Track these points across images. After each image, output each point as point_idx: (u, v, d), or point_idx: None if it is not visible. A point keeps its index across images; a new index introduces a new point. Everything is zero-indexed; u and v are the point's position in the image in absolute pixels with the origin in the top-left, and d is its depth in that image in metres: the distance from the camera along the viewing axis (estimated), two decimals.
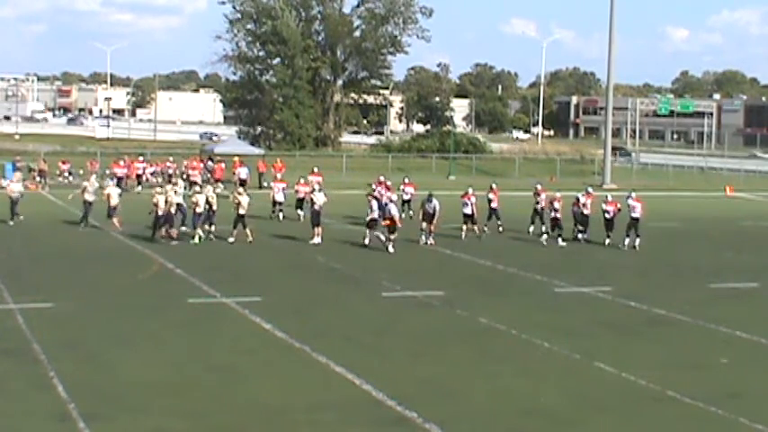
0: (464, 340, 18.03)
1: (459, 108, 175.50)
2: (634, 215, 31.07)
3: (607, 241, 31.48)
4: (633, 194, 32.01)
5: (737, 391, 15.08)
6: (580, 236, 32.43)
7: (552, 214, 31.53)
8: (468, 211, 32.32)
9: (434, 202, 30.91)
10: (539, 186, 35.06)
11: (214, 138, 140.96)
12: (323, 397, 14.13)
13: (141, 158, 52.55)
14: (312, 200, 30.57)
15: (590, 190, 33.97)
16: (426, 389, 14.66)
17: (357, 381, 14.85)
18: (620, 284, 24.37)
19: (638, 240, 30.86)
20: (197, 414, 13.20)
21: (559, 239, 31.26)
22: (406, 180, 40.03)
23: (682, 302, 22.14)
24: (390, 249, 28.82)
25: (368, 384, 14.64)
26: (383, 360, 16.35)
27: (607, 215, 31.67)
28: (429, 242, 30.64)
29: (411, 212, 37.97)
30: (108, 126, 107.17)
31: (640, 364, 16.38)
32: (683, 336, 19.11)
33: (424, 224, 30.90)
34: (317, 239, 29.95)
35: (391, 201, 30.91)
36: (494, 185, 35.05)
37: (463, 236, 32.04)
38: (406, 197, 38.82)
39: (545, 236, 31.62)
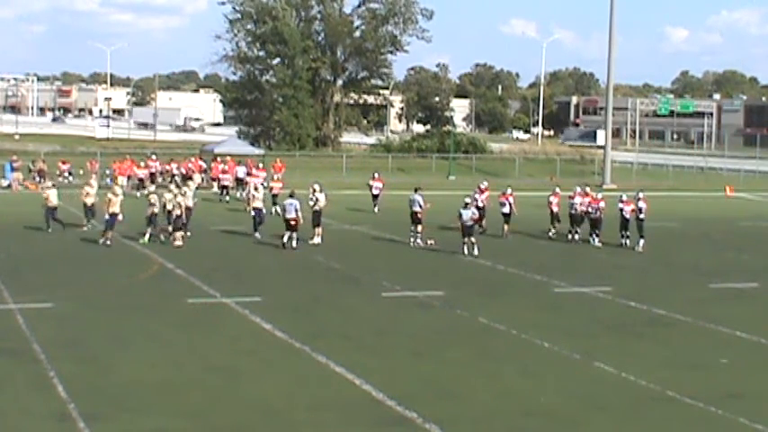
0: (464, 340, 18.03)
1: (460, 108, 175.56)
2: (641, 216, 31.08)
3: (627, 242, 31.38)
4: (641, 195, 31.95)
5: (737, 391, 15.09)
6: (575, 236, 32.51)
7: (595, 215, 31.69)
8: (506, 210, 32.83)
9: (417, 197, 30.99)
10: (578, 189, 34.18)
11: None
12: (323, 397, 14.14)
13: (154, 157, 52.79)
14: (317, 199, 30.50)
15: (579, 189, 33.82)
16: (426, 389, 14.67)
17: (357, 381, 14.86)
18: (620, 284, 24.37)
19: (641, 242, 30.83)
20: (197, 414, 13.20)
21: (596, 240, 31.52)
22: (376, 176, 41.73)
23: (682, 302, 22.15)
24: (474, 252, 28.24)
25: (368, 384, 14.65)
26: (383, 360, 16.35)
27: (626, 215, 31.59)
28: (418, 243, 30.42)
29: (377, 208, 39.93)
30: (108, 126, 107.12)
31: (640, 364, 16.38)
32: (683, 336, 19.11)
33: (413, 226, 30.75)
34: (316, 239, 29.95)
35: (477, 207, 31.41)
36: (557, 189, 34.52)
37: (504, 235, 32.43)
38: (375, 192, 40.66)
39: (595, 237, 31.68)
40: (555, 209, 33.52)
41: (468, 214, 28.53)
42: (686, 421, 13.64)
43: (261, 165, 44.97)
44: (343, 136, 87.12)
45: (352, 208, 40.94)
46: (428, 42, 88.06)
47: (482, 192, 34.16)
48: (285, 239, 28.62)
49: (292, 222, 28.69)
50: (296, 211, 28.64)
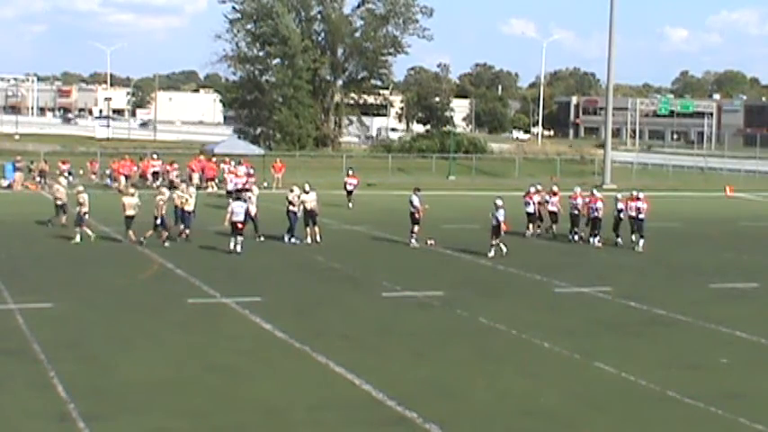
0: (464, 340, 18.03)
1: (459, 108, 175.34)
2: (640, 216, 31.08)
3: (618, 241, 31.44)
4: (641, 195, 31.89)
5: (737, 391, 15.08)
6: (575, 236, 32.54)
7: (594, 214, 31.71)
8: (530, 210, 33.15)
9: (413, 197, 30.78)
10: (578, 189, 33.96)
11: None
12: (323, 397, 14.13)
13: (156, 156, 53.17)
14: (303, 201, 30.35)
15: (578, 189, 33.77)
16: (426, 389, 14.66)
17: (357, 381, 14.86)
18: (620, 284, 24.37)
19: (641, 242, 30.86)
20: (197, 414, 13.20)
21: (596, 240, 31.60)
22: (350, 173, 43.38)
23: (682, 302, 22.14)
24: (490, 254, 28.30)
25: (368, 384, 14.64)
26: (383, 360, 16.35)
27: (622, 214, 31.53)
28: (414, 243, 30.33)
29: (351, 204, 41.54)
30: (108, 126, 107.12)
31: (640, 364, 16.38)
32: (683, 336, 19.11)
33: (414, 227, 30.54)
34: (309, 239, 29.90)
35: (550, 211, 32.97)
36: (639, 194, 31.94)
37: (528, 234, 32.88)
38: (349, 188, 42.41)
39: (597, 238, 31.74)
40: (642, 216, 31.31)
41: (501, 215, 28.42)
42: (686, 421, 13.64)
43: (233, 163, 45.45)
44: (342, 136, 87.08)
45: (351, 208, 40.99)
46: (429, 41, 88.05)
47: (553, 194, 33.58)
48: (232, 246, 27.44)
49: (239, 226, 27.56)
50: (244, 214, 27.89)
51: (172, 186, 34.97)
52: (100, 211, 33.29)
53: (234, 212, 27.75)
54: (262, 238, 30.15)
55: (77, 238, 28.86)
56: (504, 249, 28.29)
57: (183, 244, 29.04)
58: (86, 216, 29.20)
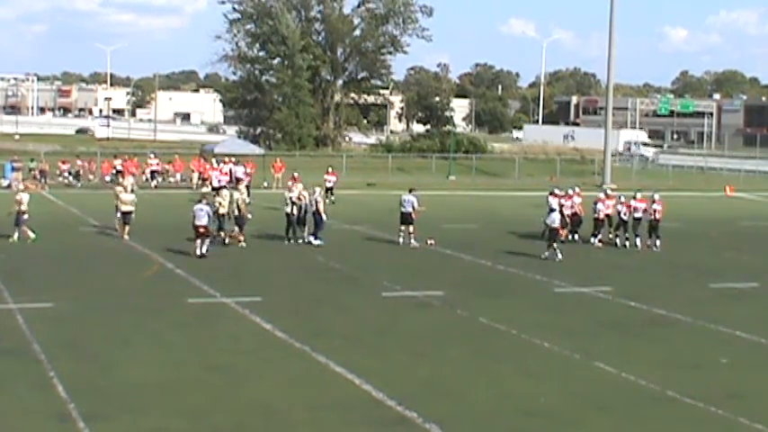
0: (464, 340, 18.03)
1: (460, 108, 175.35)
2: (637, 215, 31.17)
3: (620, 242, 31.46)
4: (638, 195, 31.91)
5: (737, 391, 15.09)
6: (575, 236, 32.55)
7: (596, 215, 31.76)
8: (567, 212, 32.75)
9: (411, 198, 30.37)
10: (603, 195, 33.57)
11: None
12: (323, 397, 14.13)
13: (153, 155, 53.21)
14: (297, 201, 30.18)
15: (577, 189, 33.72)
16: (426, 389, 14.66)
17: (357, 381, 14.85)
18: (620, 284, 24.36)
19: (638, 240, 30.99)
20: (197, 414, 13.20)
21: (596, 240, 31.63)
22: (329, 170, 44.07)
23: (682, 302, 22.14)
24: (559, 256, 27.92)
25: (368, 384, 14.64)
26: (383, 360, 16.35)
27: (625, 216, 31.62)
28: (413, 243, 30.11)
29: (332, 198, 41.79)
30: (108, 126, 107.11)
31: (640, 364, 16.38)
32: (683, 336, 19.11)
33: (403, 226, 30.23)
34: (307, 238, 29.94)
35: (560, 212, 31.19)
36: (639, 195, 32.10)
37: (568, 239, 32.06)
38: (328, 185, 42.76)
39: (597, 238, 31.76)
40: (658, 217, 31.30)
41: (555, 218, 28.36)
42: (686, 421, 13.64)
43: (215, 162, 45.68)
44: (343, 136, 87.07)
45: (351, 208, 40.97)
46: (428, 41, 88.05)
47: (568, 197, 32.78)
48: (203, 251, 26.69)
49: (201, 230, 26.67)
50: (207, 217, 27.10)
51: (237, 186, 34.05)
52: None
53: (195, 216, 27.08)
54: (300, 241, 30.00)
55: (15, 237, 28.76)
56: (560, 256, 27.91)
57: (186, 244, 29.02)
58: (25, 216, 29.05)
